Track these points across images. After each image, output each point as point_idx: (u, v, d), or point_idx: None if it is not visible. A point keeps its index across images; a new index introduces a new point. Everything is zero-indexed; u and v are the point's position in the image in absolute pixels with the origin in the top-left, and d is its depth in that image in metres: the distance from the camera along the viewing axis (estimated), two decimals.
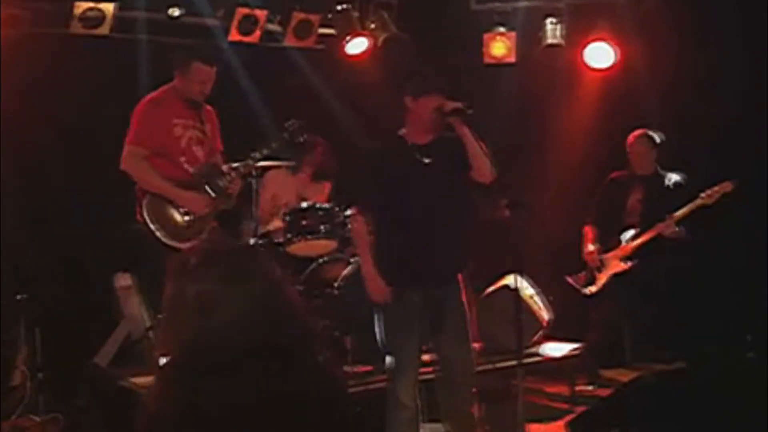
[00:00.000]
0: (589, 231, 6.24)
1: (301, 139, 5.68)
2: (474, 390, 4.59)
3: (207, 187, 5.10)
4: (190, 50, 5.23)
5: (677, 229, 5.87)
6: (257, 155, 5.42)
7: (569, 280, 6.27)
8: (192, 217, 5.04)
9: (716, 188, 5.78)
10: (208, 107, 5.31)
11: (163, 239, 4.95)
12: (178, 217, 5.02)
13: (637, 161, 6.17)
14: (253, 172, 5.48)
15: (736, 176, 5.84)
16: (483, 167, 4.36)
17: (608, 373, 6.17)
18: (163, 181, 4.99)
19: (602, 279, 6.13)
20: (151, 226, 4.96)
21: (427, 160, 4.45)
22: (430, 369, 4.85)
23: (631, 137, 6.19)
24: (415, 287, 4.45)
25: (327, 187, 6.50)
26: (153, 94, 5.17)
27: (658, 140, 6.13)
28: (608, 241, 6.15)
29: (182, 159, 5.08)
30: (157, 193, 4.99)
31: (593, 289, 6.16)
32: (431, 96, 4.38)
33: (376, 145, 4.98)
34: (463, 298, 4.56)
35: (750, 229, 6.23)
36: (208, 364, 1.94)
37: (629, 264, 6.03)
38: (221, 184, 5.15)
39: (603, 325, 6.18)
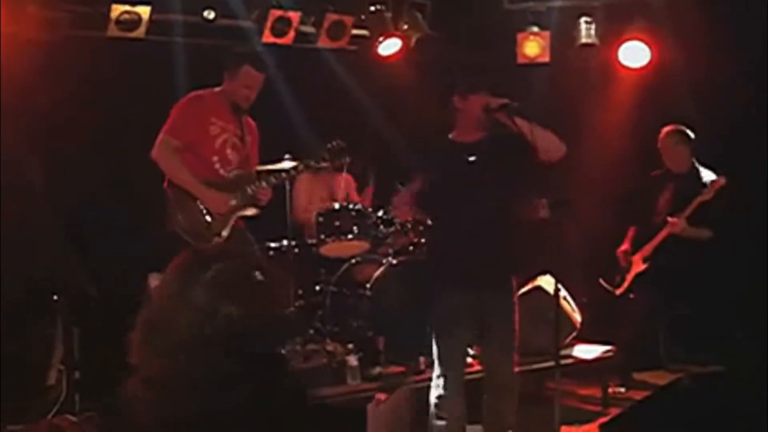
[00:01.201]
0: (630, 230, 6.21)
1: (343, 160, 5.67)
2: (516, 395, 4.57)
3: (234, 192, 5.10)
4: (242, 54, 5.24)
5: (690, 228, 5.78)
6: (291, 162, 5.45)
7: (602, 282, 6.23)
8: (212, 218, 5.03)
9: (711, 184, 5.72)
10: (251, 121, 5.32)
11: (184, 236, 4.97)
12: (199, 215, 5.02)
13: (669, 158, 6.09)
14: (286, 177, 5.45)
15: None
16: (549, 146, 4.37)
17: (641, 376, 6.12)
18: (190, 176, 4.99)
19: (629, 279, 6.10)
20: (176, 224, 4.98)
21: (472, 158, 4.44)
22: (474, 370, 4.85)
23: (661, 133, 6.11)
24: (463, 289, 4.41)
25: (370, 191, 6.57)
26: (199, 92, 5.19)
27: (690, 136, 6.03)
28: (640, 241, 6.10)
29: (215, 159, 5.09)
30: (182, 187, 5.00)
31: (621, 289, 6.14)
32: (479, 94, 4.42)
33: (426, 148, 4.96)
34: (513, 304, 4.52)
35: None
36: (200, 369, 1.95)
37: (647, 264, 5.99)
38: (249, 191, 5.15)
39: (633, 325, 6.13)
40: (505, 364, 4.50)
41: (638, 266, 6.06)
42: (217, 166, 5.10)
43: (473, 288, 4.39)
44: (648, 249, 6.02)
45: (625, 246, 6.19)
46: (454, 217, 4.43)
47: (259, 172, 5.31)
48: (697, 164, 6.03)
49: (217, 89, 5.20)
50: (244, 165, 5.22)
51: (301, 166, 5.42)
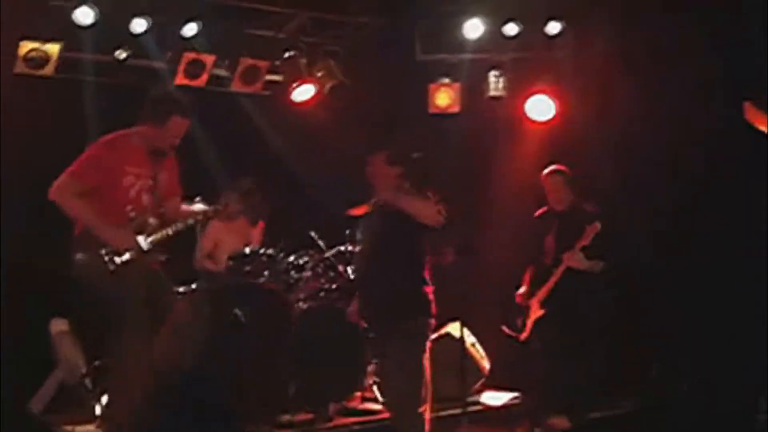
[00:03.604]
0: (527, 272, 6.30)
1: (253, 199, 5.65)
2: None
3: (140, 238, 4.92)
4: (170, 103, 5.09)
5: (585, 260, 5.91)
6: (202, 205, 5.38)
7: (504, 328, 6.28)
8: (115, 265, 4.85)
9: (588, 230, 5.88)
10: (169, 158, 5.20)
11: (87, 284, 4.86)
12: (106, 258, 4.85)
13: (551, 196, 6.24)
14: (194, 223, 5.35)
15: None
16: (425, 215, 4.56)
17: (550, 421, 6.21)
18: (93, 216, 4.82)
19: (529, 324, 6.14)
20: (78, 269, 4.88)
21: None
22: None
23: (543, 173, 6.26)
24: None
25: (261, 226, 6.49)
26: (111, 136, 5.01)
27: (569, 175, 6.19)
28: (534, 284, 6.18)
29: (128, 208, 4.93)
30: (88, 226, 4.85)
31: (524, 334, 6.15)
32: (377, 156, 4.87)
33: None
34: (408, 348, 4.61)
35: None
36: None
37: (544, 310, 6.05)
38: (153, 238, 4.96)
39: (537, 371, 6.21)
40: (394, 408, 4.60)
41: (536, 311, 6.13)
42: (133, 214, 4.97)
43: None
44: (543, 292, 6.08)
45: (524, 288, 6.30)
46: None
47: (164, 221, 5.16)
48: (580, 202, 6.16)
49: (133, 131, 5.05)
50: (157, 205, 5.12)
51: (211, 211, 5.32)
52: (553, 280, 6.02)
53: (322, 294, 6.08)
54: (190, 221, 5.19)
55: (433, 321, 4.77)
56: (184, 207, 5.29)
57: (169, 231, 5.03)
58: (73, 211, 4.85)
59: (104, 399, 5.36)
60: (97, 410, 5.49)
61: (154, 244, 4.99)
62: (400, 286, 4.64)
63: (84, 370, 5.96)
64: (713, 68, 6.22)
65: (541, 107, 7.07)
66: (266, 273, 5.88)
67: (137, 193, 4.98)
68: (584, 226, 5.92)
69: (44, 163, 5.75)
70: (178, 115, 5.00)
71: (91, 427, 5.48)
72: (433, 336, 6.04)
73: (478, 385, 6.17)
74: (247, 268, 5.85)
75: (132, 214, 4.94)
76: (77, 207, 4.83)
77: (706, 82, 6.27)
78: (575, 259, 5.92)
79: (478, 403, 6.04)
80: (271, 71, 7.11)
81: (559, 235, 6.10)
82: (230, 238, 6.38)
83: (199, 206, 5.36)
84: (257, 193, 6.15)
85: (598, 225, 5.86)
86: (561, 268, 5.98)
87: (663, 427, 4.60)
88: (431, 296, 4.76)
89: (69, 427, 5.47)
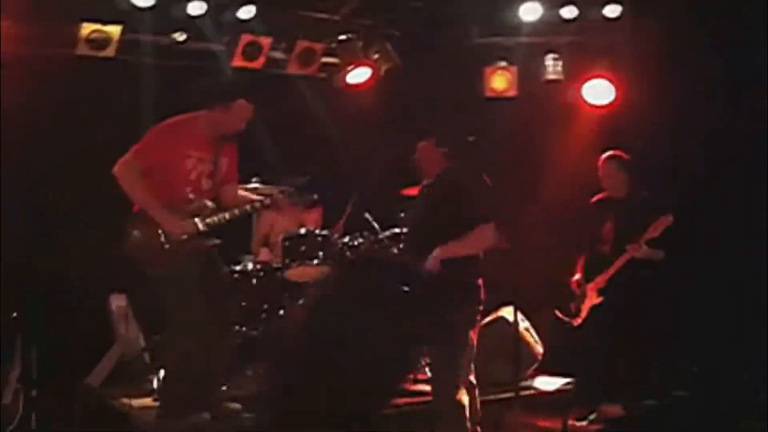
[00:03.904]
0: (579, 259, 6.24)
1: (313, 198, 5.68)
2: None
3: (196, 220, 5.03)
4: (237, 88, 5.19)
5: (648, 249, 5.82)
6: (258, 184, 5.43)
7: (558, 313, 6.25)
8: (170, 244, 4.95)
9: (658, 222, 5.79)
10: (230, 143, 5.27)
11: (138, 260, 4.94)
12: (156, 239, 4.94)
13: (608, 183, 6.16)
14: (250, 212, 5.40)
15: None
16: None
17: (604, 409, 6.15)
18: (151, 199, 4.91)
19: (584, 310, 6.10)
20: (131, 247, 4.94)
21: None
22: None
23: (600, 160, 6.17)
24: None
25: (319, 210, 6.55)
26: (178, 118, 5.08)
27: (628, 161, 6.09)
28: (590, 271, 6.12)
29: (188, 190, 5.03)
30: (143, 207, 4.94)
31: (579, 320, 6.12)
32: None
33: None
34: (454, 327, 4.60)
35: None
36: None
37: (601, 298, 6.00)
38: (210, 221, 5.07)
39: (592, 357, 6.16)
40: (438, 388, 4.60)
41: (593, 298, 6.09)
42: (191, 196, 5.05)
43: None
44: (602, 280, 6.03)
45: (578, 275, 6.24)
46: None
47: (220, 205, 5.21)
48: (638, 188, 6.08)
49: (199, 115, 5.10)
50: (215, 190, 5.18)
51: (267, 202, 5.30)
52: (613, 269, 5.95)
53: None
54: (247, 209, 5.25)
55: (480, 308, 4.73)
56: (241, 193, 5.36)
57: (226, 216, 5.11)
58: (132, 191, 4.94)
59: (161, 373, 5.46)
60: (155, 384, 5.60)
61: (209, 228, 5.06)
62: (447, 271, 4.56)
63: (142, 345, 6.10)
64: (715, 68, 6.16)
65: (599, 91, 6.97)
66: (321, 254, 5.91)
67: (197, 177, 5.06)
68: (645, 214, 5.83)
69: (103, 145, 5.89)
70: (244, 99, 5.05)
71: (148, 400, 5.58)
72: (487, 320, 6.09)
73: (531, 370, 6.13)
74: (302, 248, 5.89)
75: (191, 197, 5.02)
76: (136, 187, 4.92)
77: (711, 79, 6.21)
78: (641, 251, 5.85)
79: (530, 387, 6.00)
80: (327, 53, 7.13)
81: (619, 223, 6.02)
82: (285, 222, 6.44)
83: (256, 196, 5.40)
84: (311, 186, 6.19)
85: (670, 218, 5.77)
86: (624, 258, 5.90)
87: (715, 414, 4.54)
88: (479, 282, 4.72)
89: (126, 401, 5.58)
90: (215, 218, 5.06)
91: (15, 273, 5.85)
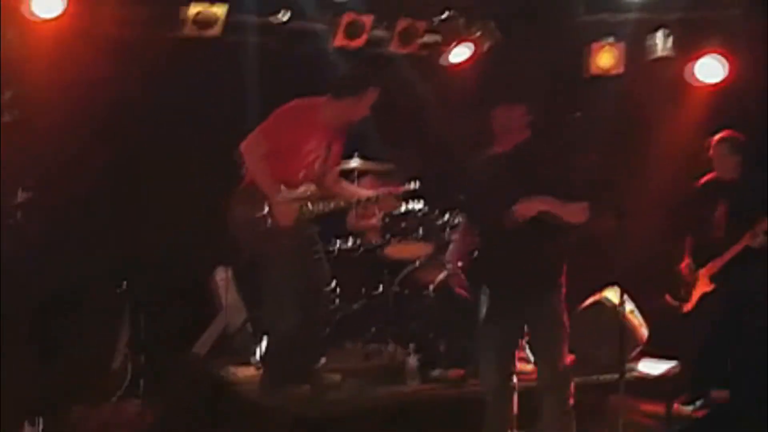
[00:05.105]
0: (688, 242, 6.04)
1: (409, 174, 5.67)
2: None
3: (304, 209, 5.10)
4: (369, 76, 5.27)
5: (765, 239, 5.62)
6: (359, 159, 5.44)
7: (668, 297, 6.08)
8: (274, 226, 5.03)
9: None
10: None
11: (240, 236, 5.01)
12: (262, 219, 5.04)
13: (720, 165, 5.94)
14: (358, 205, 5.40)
15: None
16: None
17: (712, 394, 5.96)
18: (269, 179, 5.01)
19: (695, 296, 5.92)
20: (236, 222, 5.03)
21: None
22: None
23: (713, 141, 5.97)
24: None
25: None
26: (306, 102, 5.17)
27: (742, 144, 5.87)
28: (701, 255, 5.93)
29: (302, 173, 5.13)
30: (260, 189, 5.04)
31: (689, 306, 5.96)
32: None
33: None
34: (556, 304, 4.52)
35: None
36: None
37: (713, 285, 5.82)
38: (315, 210, 5.14)
39: (700, 343, 5.97)
40: (545, 363, 4.49)
41: (705, 285, 5.90)
42: (302, 178, 5.13)
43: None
44: (715, 266, 5.84)
45: (687, 259, 6.05)
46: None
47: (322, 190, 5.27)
48: (752, 171, 5.85)
49: (326, 101, 5.18)
50: (323, 174, 5.24)
51: (373, 199, 5.31)
52: (728, 255, 5.75)
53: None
54: (353, 202, 5.29)
55: (563, 291, 4.56)
56: (344, 184, 5.44)
57: (331, 205, 5.17)
58: (254, 169, 5.05)
59: (264, 343, 5.56)
60: (257, 354, 5.71)
61: (314, 216, 5.13)
62: (528, 253, 4.39)
63: (245, 316, 6.23)
64: None
65: (710, 69, 6.71)
66: (420, 231, 5.91)
67: (312, 161, 5.14)
68: (761, 199, 5.61)
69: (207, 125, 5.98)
70: (374, 86, 5.10)
71: (251, 369, 5.69)
72: (590, 300, 5.97)
73: (635, 353, 5.98)
74: (402, 224, 5.90)
75: (301, 178, 5.10)
76: (260, 166, 5.02)
77: None
78: (758, 241, 5.64)
79: (634, 370, 5.85)
80: (428, 31, 7.08)
81: (731, 207, 5.81)
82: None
83: (363, 190, 5.44)
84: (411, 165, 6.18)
85: None
86: (739, 246, 5.69)
87: None
88: (561, 265, 4.54)
89: (232, 368, 5.72)
90: (321, 207, 5.12)
91: (125, 245, 6.05)
